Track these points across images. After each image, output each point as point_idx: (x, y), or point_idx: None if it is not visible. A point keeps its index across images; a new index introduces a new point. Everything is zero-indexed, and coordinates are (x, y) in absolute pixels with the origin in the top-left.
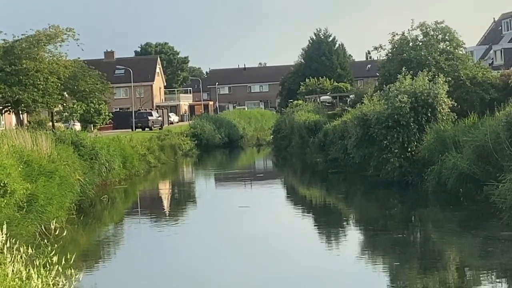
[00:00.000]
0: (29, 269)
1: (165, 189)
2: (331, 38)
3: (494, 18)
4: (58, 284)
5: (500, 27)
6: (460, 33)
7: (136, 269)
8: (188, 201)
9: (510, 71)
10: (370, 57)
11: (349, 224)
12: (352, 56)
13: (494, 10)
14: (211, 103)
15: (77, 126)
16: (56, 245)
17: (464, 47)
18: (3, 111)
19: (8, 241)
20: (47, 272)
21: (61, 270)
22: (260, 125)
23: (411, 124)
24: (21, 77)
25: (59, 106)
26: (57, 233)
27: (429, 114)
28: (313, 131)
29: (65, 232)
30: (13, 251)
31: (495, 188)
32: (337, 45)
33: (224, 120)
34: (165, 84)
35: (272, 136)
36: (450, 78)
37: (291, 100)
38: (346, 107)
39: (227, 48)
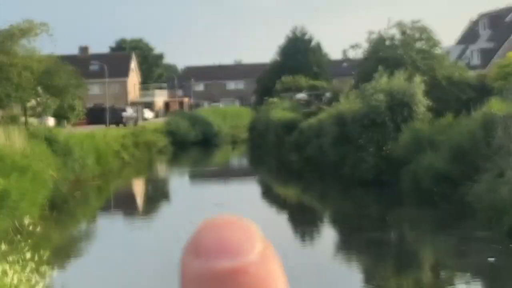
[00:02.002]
0: (3, 265)
1: (139, 186)
2: (307, 36)
3: (471, 18)
4: (32, 281)
5: (477, 27)
6: (437, 32)
7: (109, 265)
8: (162, 198)
9: (487, 71)
10: (347, 56)
11: (324, 223)
12: (328, 54)
13: (471, 10)
14: (186, 99)
15: (51, 122)
16: (29, 241)
17: (441, 47)
18: None
19: None
20: (22, 268)
21: (34, 266)
22: (236, 122)
23: (387, 123)
24: None
25: (33, 101)
26: (30, 229)
27: (405, 113)
28: (288, 129)
29: (38, 228)
30: None
31: (470, 188)
32: (313, 43)
33: (199, 117)
34: (140, 80)
35: (247, 133)
36: (426, 78)
37: (267, 98)
38: (322, 105)
39: (202, 45)
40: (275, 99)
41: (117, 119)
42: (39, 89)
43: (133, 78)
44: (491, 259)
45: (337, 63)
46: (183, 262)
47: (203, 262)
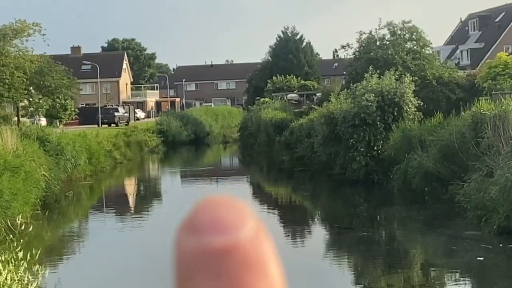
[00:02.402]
0: None
1: (130, 186)
2: (298, 36)
3: (461, 18)
4: (24, 280)
5: (467, 27)
6: (427, 33)
7: (101, 265)
8: (154, 197)
9: (476, 71)
10: (337, 56)
11: (315, 222)
12: (319, 54)
13: (461, 10)
14: (177, 99)
15: (43, 122)
16: (21, 240)
17: (431, 47)
18: None
19: None
20: (15, 268)
21: (26, 266)
22: (227, 122)
23: (378, 123)
24: None
25: (25, 101)
26: (22, 228)
27: (395, 113)
28: (279, 129)
29: (31, 227)
30: None
31: (460, 188)
32: (304, 43)
33: (190, 117)
34: (132, 80)
35: (238, 133)
36: (416, 78)
37: (258, 98)
38: (313, 105)
39: (194, 45)
40: (266, 99)
41: (109, 119)
42: (32, 89)
43: (125, 78)
44: (481, 258)
45: (328, 63)
46: (177, 240)
47: (197, 239)
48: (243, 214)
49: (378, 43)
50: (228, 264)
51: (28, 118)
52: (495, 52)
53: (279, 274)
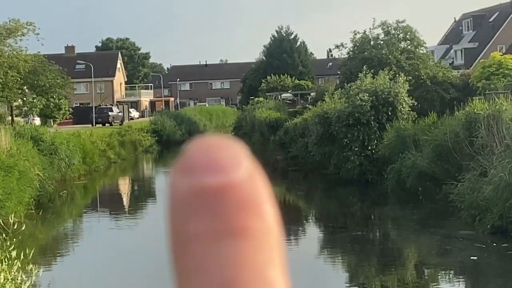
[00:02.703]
0: None
1: (125, 185)
2: (292, 36)
3: (455, 18)
4: (17, 279)
5: (461, 27)
6: (421, 32)
7: (94, 264)
8: (148, 196)
9: (470, 70)
10: (332, 55)
11: (309, 222)
12: (313, 54)
13: (455, 10)
14: (172, 99)
15: (37, 121)
16: (14, 239)
17: (425, 47)
18: None
19: None
20: (8, 267)
21: (20, 265)
22: (221, 122)
23: (372, 122)
24: None
25: (19, 100)
26: (15, 227)
27: (389, 113)
28: (274, 128)
29: (24, 227)
30: None
31: (454, 187)
32: (298, 43)
33: (185, 117)
34: (126, 80)
35: (233, 133)
36: (410, 77)
37: (252, 97)
38: (307, 105)
39: (188, 45)
40: (260, 99)
41: (103, 118)
42: (25, 88)
43: (119, 78)
44: (474, 258)
45: (322, 62)
46: (171, 182)
47: (190, 179)
48: (237, 154)
49: (372, 42)
50: (223, 204)
51: (22, 117)
52: (489, 52)
53: (274, 214)
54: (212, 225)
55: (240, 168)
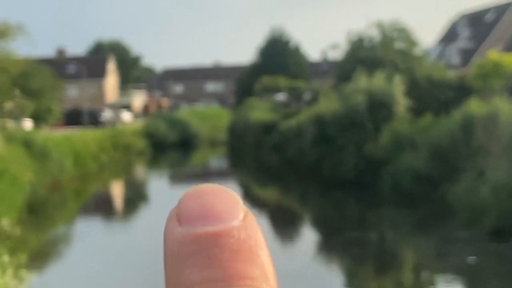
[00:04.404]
0: None
1: (117, 188)
2: (286, 37)
3: (450, 18)
4: (9, 284)
5: (457, 27)
6: (416, 32)
7: (87, 268)
8: (141, 199)
9: (466, 70)
10: (326, 56)
11: (304, 225)
12: (307, 55)
13: (450, 10)
14: (165, 101)
15: (28, 124)
16: (6, 244)
17: (420, 47)
18: None
19: None
20: (1, 272)
21: (12, 270)
22: (215, 123)
23: (367, 123)
24: None
25: (10, 103)
26: (7, 232)
27: (384, 114)
28: (268, 130)
29: (16, 231)
30: None
31: (450, 189)
32: (292, 44)
33: (178, 119)
34: (118, 82)
35: (226, 135)
36: (406, 78)
37: (246, 99)
38: (301, 106)
39: (181, 46)
40: (254, 100)
41: (95, 121)
42: (16, 91)
43: (111, 80)
44: (471, 259)
45: (316, 63)
46: (167, 230)
47: (186, 228)
48: (232, 202)
49: (366, 43)
50: (219, 252)
51: (13, 120)
52: (485, 51)
53: (270, 261)
54: (209, 274)
55: (235, 216)
